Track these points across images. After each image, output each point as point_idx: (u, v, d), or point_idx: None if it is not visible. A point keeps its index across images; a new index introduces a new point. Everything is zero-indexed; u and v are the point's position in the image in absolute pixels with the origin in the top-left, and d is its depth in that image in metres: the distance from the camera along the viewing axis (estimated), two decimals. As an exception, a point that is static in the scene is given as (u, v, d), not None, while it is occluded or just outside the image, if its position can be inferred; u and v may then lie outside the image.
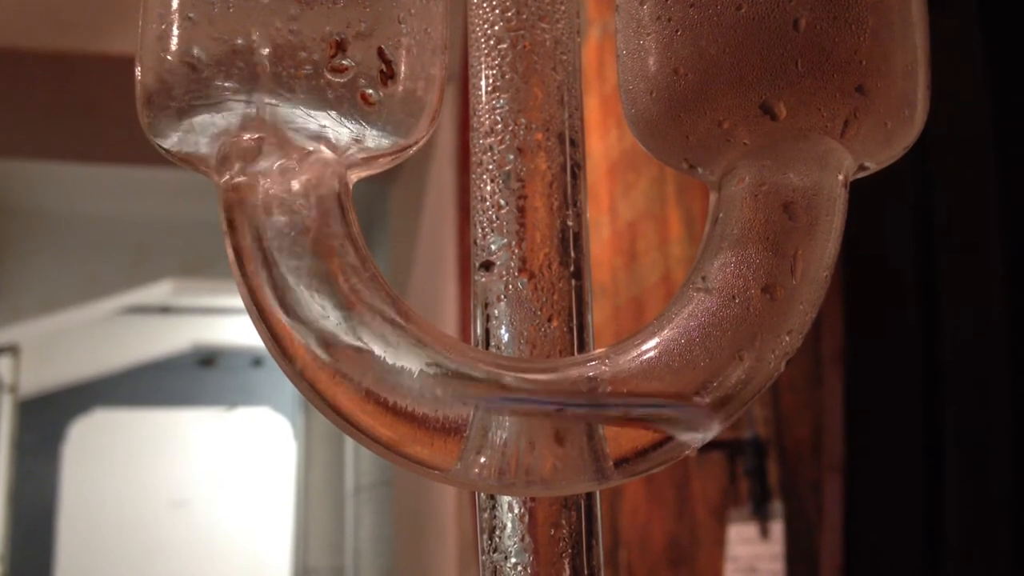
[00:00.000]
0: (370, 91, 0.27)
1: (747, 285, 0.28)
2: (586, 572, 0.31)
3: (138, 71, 0.28)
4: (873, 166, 0.30)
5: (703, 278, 0.28)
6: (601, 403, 0.27)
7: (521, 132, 0.33)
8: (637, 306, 1.64)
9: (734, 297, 0.28)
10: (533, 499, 0.31)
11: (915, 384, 1.06)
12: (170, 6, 0.27)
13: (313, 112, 0.27)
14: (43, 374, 5.35)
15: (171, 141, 0.28)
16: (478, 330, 0.33)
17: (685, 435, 0.28)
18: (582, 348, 0.33)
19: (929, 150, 1.07)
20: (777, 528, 1.21)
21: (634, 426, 0.27)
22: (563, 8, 0.34)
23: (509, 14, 0.34)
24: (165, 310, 5.17)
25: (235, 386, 5.98)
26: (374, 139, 0.28)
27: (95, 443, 5.84)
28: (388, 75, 0.28)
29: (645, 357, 0.28)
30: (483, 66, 0.34)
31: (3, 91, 2.91)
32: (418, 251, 3.16)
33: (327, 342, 0.27)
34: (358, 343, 0.27)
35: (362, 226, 0.28)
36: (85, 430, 5.85)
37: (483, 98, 0.34)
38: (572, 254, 0.33)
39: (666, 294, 1.54)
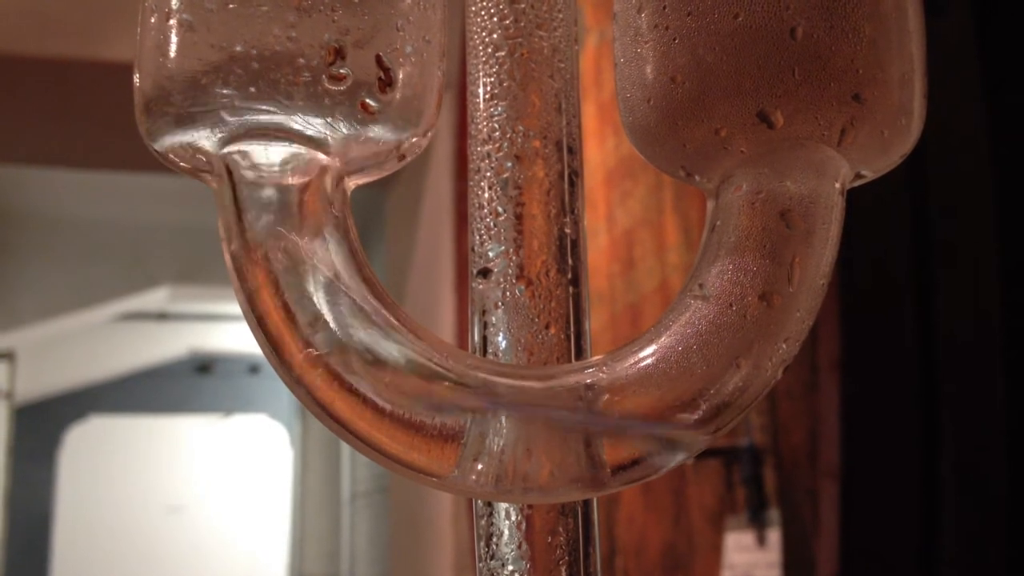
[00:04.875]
0: (369, 100, 0.27)
1: (744, 292, 0.28)
2: (583, 579, 0.31)
3: (136, 77, 0.28)
4: (870, 174, 0.30)
5: (700, 285, 0.28)
6: (597, 421, 0.27)
7: (519, 139, 0.33)
8: (634, 313, 1.64)
9: (731, 304, 0.28)
10: (530, 506, 0.31)
11: (911, 391, 1.06)
12: (169, 13, 0.27)
13: (311, 119, 0.27)
14: (39, 380, 5.34)
15: (169, 147, 0.28)
16: (476, 337, 0.33)
17: (680, 452, 0.28)
18: (579, 355, 0.33)
19: (926, 158, 1.07)
20: (774, 536, 1.21)
21: (626, 443, 0.27)
22: (561, 16, 0.34)
23: (507, 22, 0.34)
24: (162, 316, 5.16)
25: (232, 393, 5.97)
26: (372, 146, 0.28)
27: (91, 449, 5.83)
28: (386, 83, 0.28)
29: (642, 364, 0.28)
30: (481, 73, 0.34)
31: (1, 97, 2.91)
32: (415, 258, 3.16)
33: (324, 349, 0.27)
34: (355, 350, 0.27)
35: (359, 232, 0.28)
36: (81, 436, 5.84)
37: (481, 105, 0.34)
38: (569, 261, 0.33)
39: (663, 301, 1.54)
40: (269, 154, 0.28)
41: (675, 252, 1.50)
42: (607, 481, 0.27)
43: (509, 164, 0.33)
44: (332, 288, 0.27)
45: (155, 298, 4.35)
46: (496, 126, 0.33)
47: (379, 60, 0.27)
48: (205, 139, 0.28)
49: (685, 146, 0.29)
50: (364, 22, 0.27)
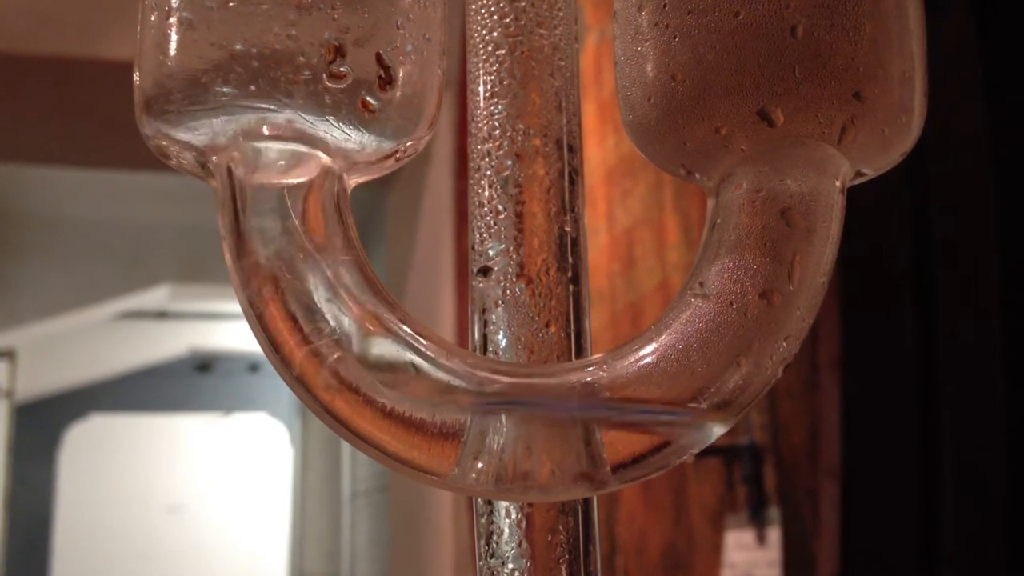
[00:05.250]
0: (369, 98, 0.27)
1: (745, 291, 0.28)
2: (583, 578, 0.31)
3: (136, 76, 0.28)
4: (870, 172, 0.30)
5: (701, 284, 0.28)
6: (599, 407, 0.27)
7: (519, 138, 0.33)
8: (634, 312, 1.64)
9: (732, 303, 0.28)
10: (530, 504, 0.31)
11: (911, 390, 1.06)
12: (169, 11, 0.27)
13: (311, 117, 0.27)
14: (39, 379, 5.34)
15: (169, 146, 0.28)
16: (476, 335, 0.33)
17: (682, 440, 0.28)
18: (580, 354, 0.33)
19: (926, 156, 1.07)
20: (774, 534, 1.21)
21: (632, 431, 0.27)
22: (561, 14, 0.34)
23: (507, 20, 0.34)
24: (162, 315, 5.17)
25: (232, 391, 5.97)
26: (372, 144, 0.28)
27: (91, 448, 5.82)
28: (386, 81, 0.28)
29: (643, 363, 0.28)
30: (481, 72, 0.34)
31: (1, 96, 2.91)
32: (415, 256, 3.16)
33: (324, 347, 0.27)
34: (355, 348, 0.27)
35: (359, 231, 0.28)
36: (81, 435, 5.83)
37: (481, 104, 0.34)
38: (570, 260, 0.33)
39: (663, 300, 1.54)
40: (269, 153, 0.28)
41: (675, 251, 1.50)
42: (607, 479, 0.27)
43: (509, 162, 0.33)
44: (332, 286, 0.27)
45: (155, 297, 4.36)
46: (496, 124, 0.33)
47: (379, 58, 0.27)
48: (204, 138, 0.28)
49: (685, 144, 0.29)
50: (364, 20, 0.27)
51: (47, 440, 5.74)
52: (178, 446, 5.97)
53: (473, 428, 0.27)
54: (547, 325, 0.32)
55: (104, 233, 4.14)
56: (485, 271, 0.33)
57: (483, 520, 0.32)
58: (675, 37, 0.29)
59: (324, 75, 0.27)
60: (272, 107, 0.27)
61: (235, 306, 0.27)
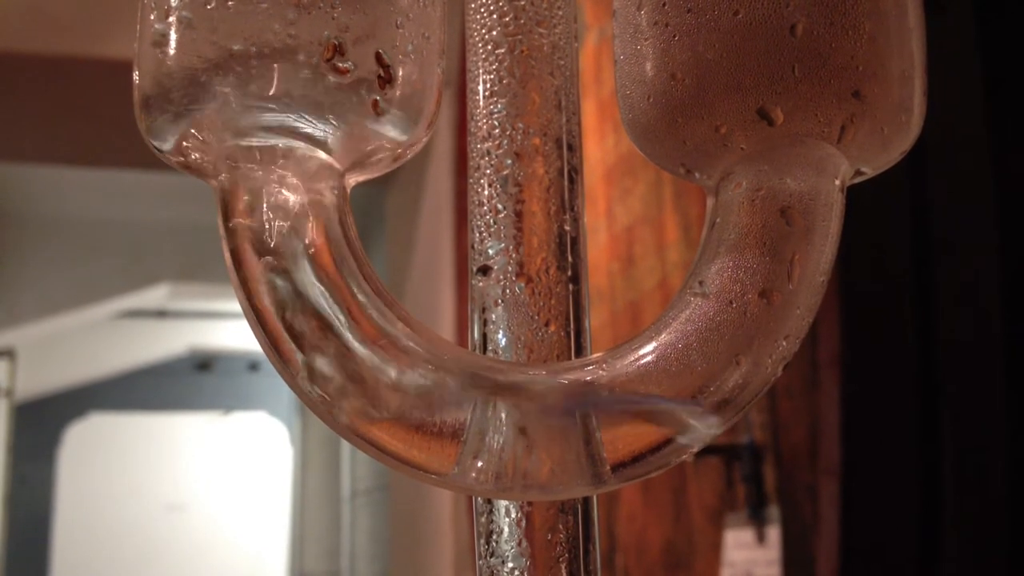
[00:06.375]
0: (376, 97, 0.27)
1: (744, 290, 0.28)
2: (583, 577, 0.31)
3: (136, 75, 0.28)
4: (870, 171, 0.30)
5: (700, 283, 0.28)
6: (603, 400, 0.27)
7: (519, 137, 0.33)
8: (634, 311, 1.64)
9: (731, 302, 0.28)
10: (530, 503, 0.31)
11: (911, 389, 1.06)
12: (168, 11, 0.27)
13: (310, 116, 0.27)
14: (39, 378, 5.34)
15: (168, 145, 0.28)
16: (476, 334, 0.33)
17: (683, 436, 0.28)
18: (579, 352, 0.33)
19: (926, 155, 1.07)
20: (773, 533, 1.21)
21: (632, 421, 0.27)
22: (560, 13, 0.34)
23: (507, 19, 0.34)
24: (161, 314, 5.16)
25: (231, 390, 5.97)
26: (371, 143, 0.28)
27: (91, 447, 5.83)
28: (386, 80, 0.28)
29: (642, 361, 0.28)
30: (481, 71, 0.34)
31: (1, 94, 2.91)
32: (415, 255, 3.16)
33: (323, 345, 0.27)
34: (354, 347, 0.27)
35: (359, 230, 0.28)
36: (81, 434, 5.83)
37: (481, 103, 0.34)
38: (569, 259, 0.33)
39: (663, 299, 1.54)
40: (268, 151, 0.28)
41: (675, 249, 1.50)
42: (607, 478, 0.27)
43: (509, 161, 0.33)
44: (332, 285, 0.27)
45: (155, 296, 4.35)
46: (496, 123, 0.33)
47: (378, 57, 0.27)
48: (204, 136, 0.28)
49: (685, 143, 0.29)
50: (363, 19, 0.27)
51: (47, 439, 5.74)
52: (178, 445, 5.97)
53: (473, 427, 0.27)
54: (547, 324, 0.32)
55: (104, 232, 4.14)
56: (485, 270, 0.33)
57: (483, 519, 0.32)
58: (674, 36, 0.29)
59: (323, 74, 0.27)
60: (271, 106, 0.27)
61: (235, 305, 0.27)
